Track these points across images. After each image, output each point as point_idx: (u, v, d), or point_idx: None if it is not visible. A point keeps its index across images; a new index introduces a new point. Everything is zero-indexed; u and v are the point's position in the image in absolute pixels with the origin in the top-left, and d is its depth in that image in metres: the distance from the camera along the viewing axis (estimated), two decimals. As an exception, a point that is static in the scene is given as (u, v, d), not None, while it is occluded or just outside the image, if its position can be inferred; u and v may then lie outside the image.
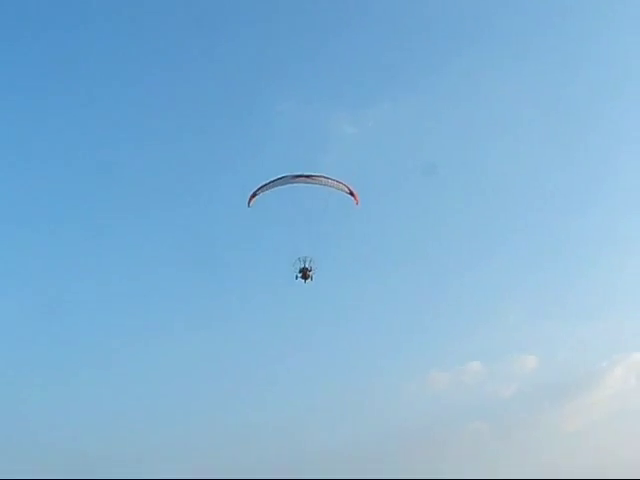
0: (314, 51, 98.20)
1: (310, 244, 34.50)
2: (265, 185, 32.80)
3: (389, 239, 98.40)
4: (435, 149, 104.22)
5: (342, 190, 33.06)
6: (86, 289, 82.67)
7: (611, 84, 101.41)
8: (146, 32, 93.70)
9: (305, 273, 33.64)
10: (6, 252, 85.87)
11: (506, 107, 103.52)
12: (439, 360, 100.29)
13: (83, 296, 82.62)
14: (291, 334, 75.09)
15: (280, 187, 32.89)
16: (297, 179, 32.64)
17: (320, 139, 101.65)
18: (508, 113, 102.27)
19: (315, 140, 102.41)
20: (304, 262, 33.68)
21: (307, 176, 32.76)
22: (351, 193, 33.06)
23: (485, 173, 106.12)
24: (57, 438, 65.58)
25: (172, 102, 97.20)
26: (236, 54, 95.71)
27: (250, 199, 33.08)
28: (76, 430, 69.48)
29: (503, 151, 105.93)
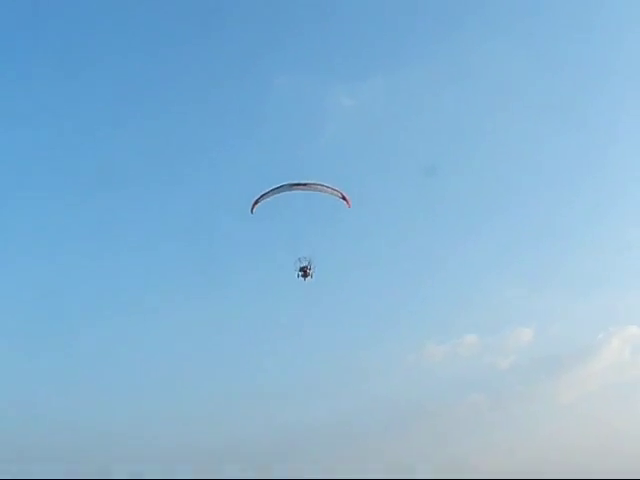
0: (310, 23, 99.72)
1: (309, 240, 38.09)
2: (265, 194, 36.26)
3: (386, 213, 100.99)
4: (431, 122, 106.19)
5: (335, 195, 36.46)
6: (90, 260, 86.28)
7: (609, 57, 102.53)
8: (144, 4, 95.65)
9: (305, 272, 37.19)
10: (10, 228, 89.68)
11: (503, 81, 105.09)
12: (435, 333, 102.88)
13: (86, 266, 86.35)
14: (290, 306, 78.23)
15: (279, 194, 36.38)
16: (294, 187, 36.07)
17: (318, 111, 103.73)
18: (505, 87, 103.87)
19: (313, 112, 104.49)
20: (304, 262, 37.23)
21: (304, 184, 36.16)
22: (343, 198, 36.47)
23: (483, 146, 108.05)
24: (57, 408, 69.36)
25: (170, 76, 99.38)
26: (233, 27, 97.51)
27: (252, 206, 36.58)
28: (78, 397, 73.40)
29: (500, 124, 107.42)
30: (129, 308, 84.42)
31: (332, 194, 36.12)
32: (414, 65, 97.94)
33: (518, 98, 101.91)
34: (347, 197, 36.32)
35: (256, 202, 36.25)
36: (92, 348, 79.97)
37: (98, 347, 79.96)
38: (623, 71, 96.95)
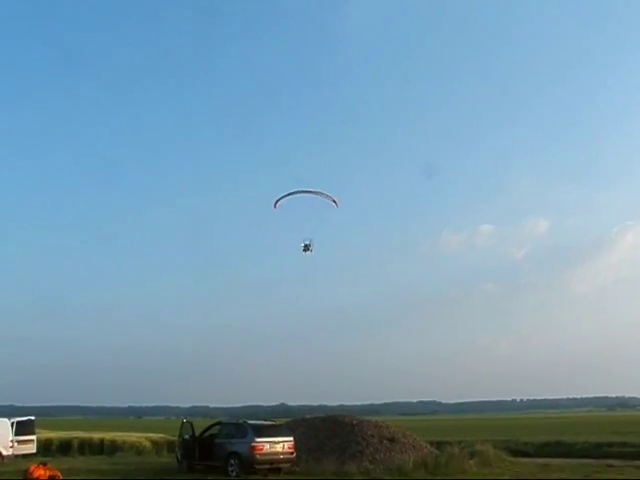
0: None
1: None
2: (284, 196, 55.19)
3: (405, 95, 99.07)
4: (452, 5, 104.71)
5: (329, 198, 55.31)
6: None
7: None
8: None
9: (307, 247, 54.25)
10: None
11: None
12: (451, 222, 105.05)
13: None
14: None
15: (293, 196, 55.35)
16: (304, 193, 55.15)
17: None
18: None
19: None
20: (306, 241, 54.40)
21: (309, 191, 55.25)
22: (334, 201, 55.25)
23: (504, 34, 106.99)
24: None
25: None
26: None
27: (275, 204, 55.24)
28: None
29: (523, 13, 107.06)
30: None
31: (327, 198, 55.04)
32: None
33: None
34: (337, 200, 55.10)
35: (277, 201, 55.09)
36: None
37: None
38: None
